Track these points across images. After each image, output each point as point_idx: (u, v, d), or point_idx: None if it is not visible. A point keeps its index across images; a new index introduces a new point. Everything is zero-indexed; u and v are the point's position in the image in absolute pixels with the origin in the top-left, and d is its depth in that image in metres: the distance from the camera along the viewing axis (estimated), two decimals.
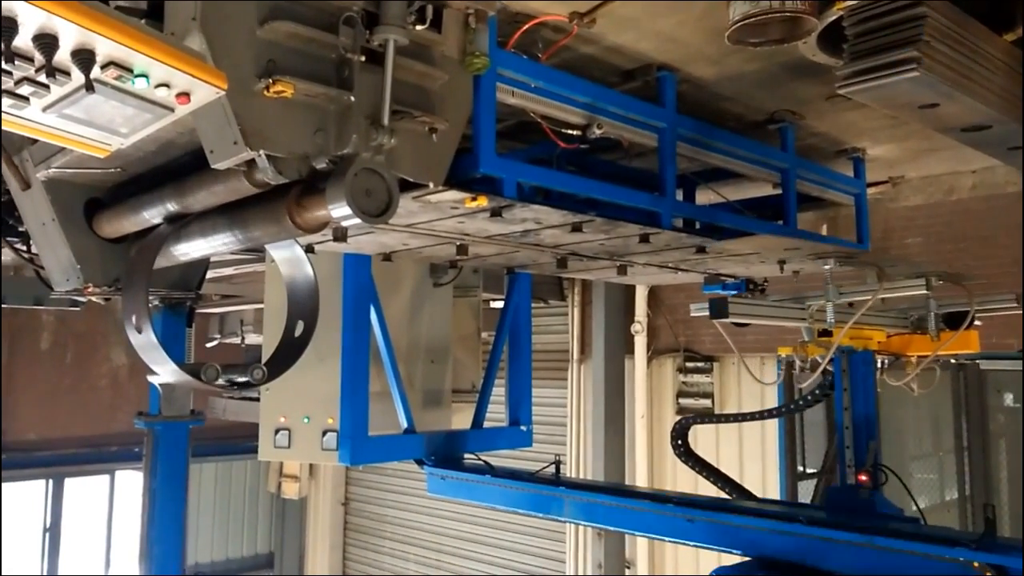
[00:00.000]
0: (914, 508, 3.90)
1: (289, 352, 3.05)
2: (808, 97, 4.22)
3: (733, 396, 8.48)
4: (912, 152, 5.56)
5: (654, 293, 8.71)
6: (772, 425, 8.35)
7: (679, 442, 4.85)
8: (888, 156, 5.54)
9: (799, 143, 4.66)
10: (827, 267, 4.26)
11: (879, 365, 4.63)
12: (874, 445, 4.04)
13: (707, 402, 8.63)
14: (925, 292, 4.38)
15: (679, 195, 4.28)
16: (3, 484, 10.71)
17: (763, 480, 8.26)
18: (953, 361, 6.09)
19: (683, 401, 8.71)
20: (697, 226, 4.21)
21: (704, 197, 5.02)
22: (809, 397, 4.59)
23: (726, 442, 8.42)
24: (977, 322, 4.83)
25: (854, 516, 3.56)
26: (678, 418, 4.69)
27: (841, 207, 5.38)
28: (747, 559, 3.46)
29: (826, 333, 4.32)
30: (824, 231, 6.20)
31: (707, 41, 3.56)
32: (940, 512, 8.03)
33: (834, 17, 2.83)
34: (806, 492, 8.33)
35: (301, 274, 3.17)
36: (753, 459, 8.35)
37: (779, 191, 4.53)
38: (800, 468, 8.55)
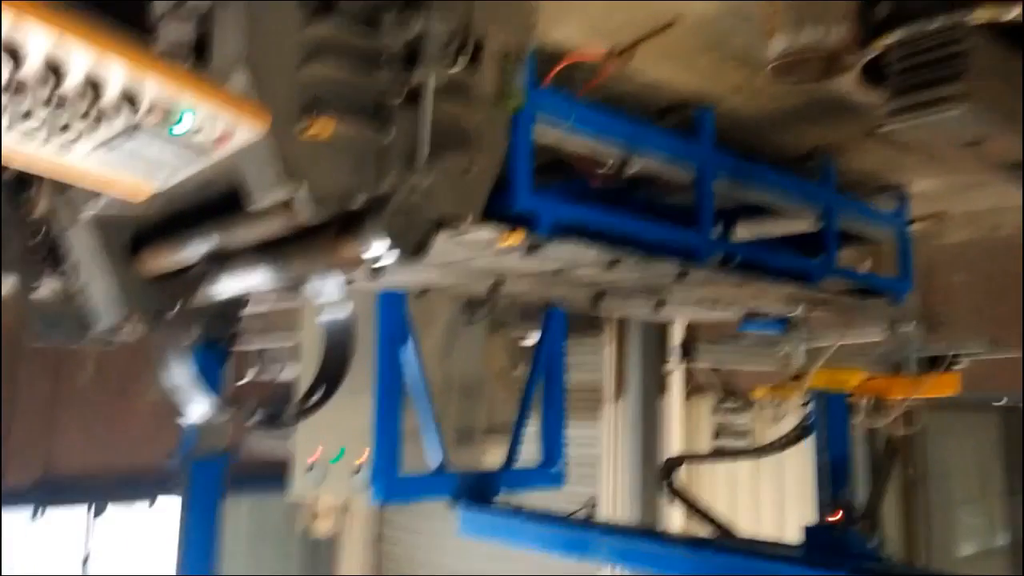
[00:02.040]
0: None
1: (322, 390, 3.03)
2: (849, 132, 4.17)
3: (773, 435, 8.29)
4: (956, 188, 5.45)
5: (691, 330, 8.61)
6: (794, 464, 8.15)
7: (669, 481, 5.01)
8: (931, 191, 5.43)
9: (841, 178, 4.59)
10: (795, 312, 4.39)
11: (865, 405, 4.76)
12: (848, 485, 4.18)
13: (744, 442, 8.45)
14: (885, 337, 4.56)
15: (718, 230, 4.23)
16: (46, 511, 10.89)
17: (782, 522, 8.00)
18: (1002, 403, 5.96)
19: (720, 441, 8.55)
20: (736, 262, 4.16)
21: (744, 232, 4.96)
22: (788, 437, 4.78)
23: (766, 480, 8.21)
24: (961, 364, 5.02)
25: (831, 555, 3.66)
26: (667, 457, 4.74)
27: (884, 244, 5.28)
28: None
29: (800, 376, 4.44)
30: (867, 268, 6.09)
31: (745, 77, 3.54)
32: (987, 559, 7.75)
33: (875, 53, 2.79)
34: None
35: (337, 311, 3.17)
36: (794, 500, 8.14)
37: (819, 227, 4.46)
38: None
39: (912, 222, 5.30)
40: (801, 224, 4.69)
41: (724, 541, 4.41)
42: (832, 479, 4.25)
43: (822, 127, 4.13)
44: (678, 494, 5.04)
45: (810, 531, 4.21)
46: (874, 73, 2.90)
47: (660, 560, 3.95)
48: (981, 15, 2.57)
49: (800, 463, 8.15)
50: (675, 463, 5.02)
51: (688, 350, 4.46)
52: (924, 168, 4.85)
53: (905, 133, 2.83)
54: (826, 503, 4.21)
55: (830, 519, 4.04)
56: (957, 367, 5.13)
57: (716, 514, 4.98)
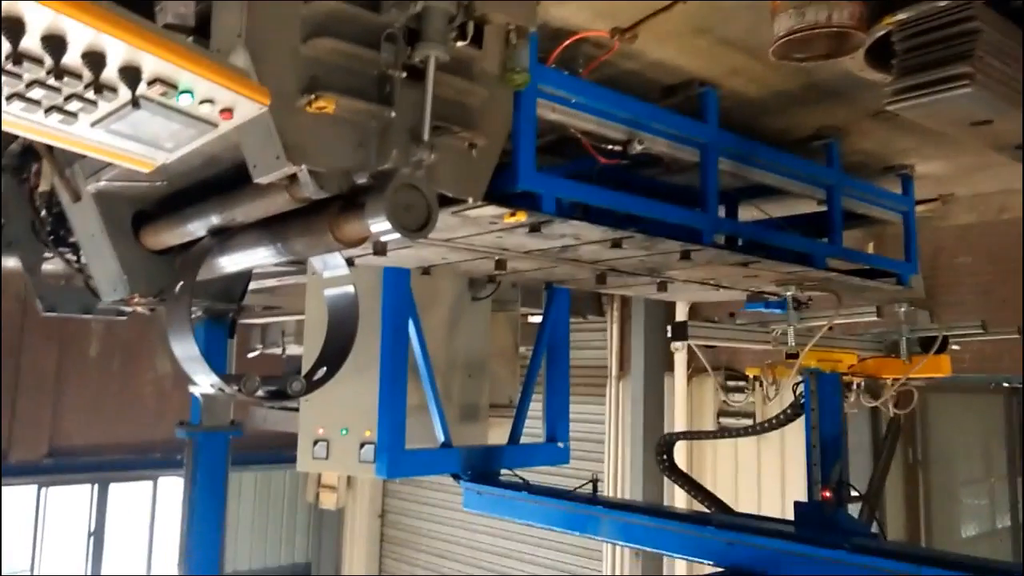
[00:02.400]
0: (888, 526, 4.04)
1: (328, 365, 3.06)
2: (854, 113, 4.15)
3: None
4: (963, 169, 5.42)
5: (695, 310, 8.62)
6: (799, 443, 8.18)
7: (663, 457, 5.06)
8: (938, 173, 5.41)
9: (845, 159, 4.57)
10: (789, 293, 4.46)
11: (856, 387, 4.88)
12: (839, 463, 4.23)
13: (748, 421, 8.48)
14: (876, 318, 4.65)
15: (721, 211, 4.22)
16: (50, 488, 11.01)
17: (783, 499, 8.05)
18: (1006, 385, 5.99)
19: (724, 420, 8.58)
20: (740, 243, 4.16)
21: (747, 214, 4.95)
22: (781, 416, 4.76)
23: (768, 461, 8.27)
24: (955, 347, 5.11)
25: (821, 532, 3.73)
26: (663, 434, 4.81)
27: (889, 225, 5.26)
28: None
29: (794, 356, 4.47)
30: (871, 249, 6.07)
31: (750, 56, 3.52)
32: (990, 540, 7.78)
33: (883, 32, 2.77)
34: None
35: (341, 287, 3.19)
36: (773, 477, 8.18)
37: (824, 208, 4.45)
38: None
39: (918, 204, 5.27)
40: (805, 205, 4.68)
41: (718, 517, 4.45)
42: (823, 457, 4.31)
43: (827, 107, 4.11)
44: (674, 470, 5.10)
45: (800, 507, 4.27)
46: (880, 52, 2.88)
47: (662, 537, 3.98)
48: None
49: (801, 446, 8.20)
50: (670, 440, 5.04)
51: (678, 330, 4.48)
52: (930, 149, 4.83)
53: (911, 113, 2.81)
54: (817, 481, 4.27)
55: (821, 496, 4.11)
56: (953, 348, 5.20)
57: (710, 490, 5.10)
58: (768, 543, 3.52)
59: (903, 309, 4.97)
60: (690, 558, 3.98)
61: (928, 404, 8.11)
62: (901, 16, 2.68)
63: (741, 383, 8.34)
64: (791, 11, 2.71)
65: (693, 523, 4.00)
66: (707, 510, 4.93)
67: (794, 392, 4.70)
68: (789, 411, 4.71)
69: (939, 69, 2.61)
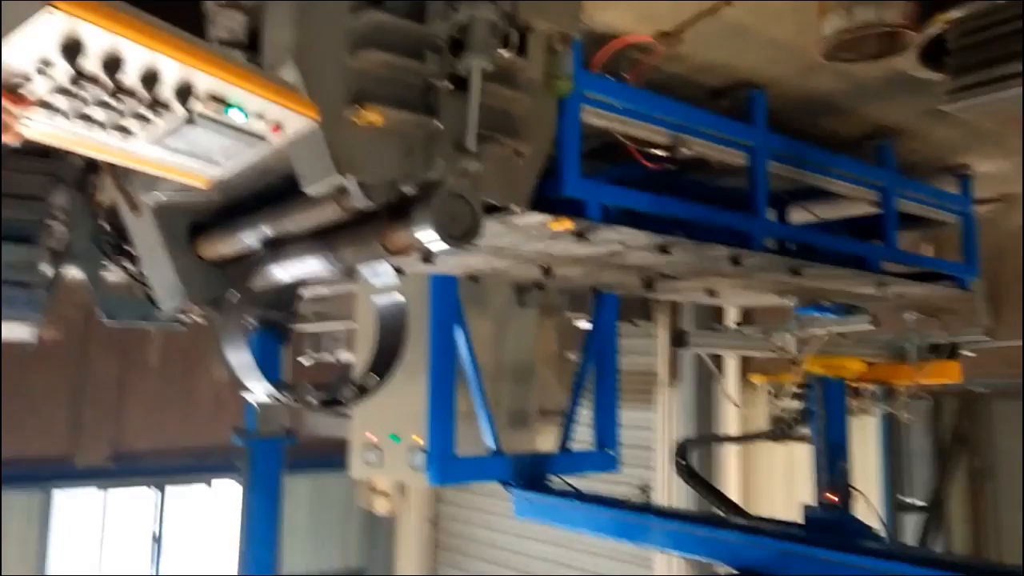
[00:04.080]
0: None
1: (379, 372, 3.10)
2: (908, 112, 4.05)
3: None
4: None
5: (747, 315, 8.48)
6: (873, 454, 7.99)
7: (682, 461, 5.14)
8: (998, 172, 5.24)
9: (899, 160, 4.46)
10: (792, 302, 4.62)
11: (871, 393, 5.17)
12: (844, 467, 4.36)
13: (805, 429, 8.31)
14: (871, 327, 4.77)
15: (771, 215, 4.16)
16: (112, 491, 11.36)
17: (864, 509, 7.88)
18: None
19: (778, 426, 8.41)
20: (790, 247, 4.09)
21: (798, 217, 4.87)
22: (792, 422, 4.98)
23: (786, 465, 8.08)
24: (969, 353, 5.27)
25: (830, 535, 3.80)
26: (682, 438, 4.89)
27: (947, 226, 5.12)
28: None
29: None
30: (928, 252, 5.91)
31: (799, 57, 3.46)
32: None
33: (937, 30, 2.71)
34: (911, 525, 7.93)
35: (390, 295, 3.24)
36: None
37: (878, 210, 4.35)
38: (905, 499, 8.15)
39: (977, 204, 5.12)
40: (858, 208, 4.58)
41: (730, 520, 4.57)
42: (829, 462, 4.42)
43: (878, 108, 4.02)
44: (691, 474, 5.19)
45: (809, 511, 4.35)
46: (932, 51, 2.82)
47: (714, 547, 3.99)
48: None
49: (859, 454, 8.00)
50: (689, 445, 5.21)
51: (680, 338, 4.57)
52: (988, 148, 4.68)
53: (966, 112, 2.74)
54: (824, 484, 4.38)
55: (829, 500, 4.21)
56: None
57: (728, 495, 5.24)
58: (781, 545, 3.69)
59: (913, 317, 5.10)
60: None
61: (993, 410, 7.85)
62: (955, 14, 2.62)
63: (794, 389, 8.17)
64: (840, 11, 2.66)
65: (744, 532, 3.95)
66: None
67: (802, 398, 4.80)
68: (798, 416, 4.90)
69: (994, 67, 2.54)
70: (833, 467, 4.37)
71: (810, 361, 4.61)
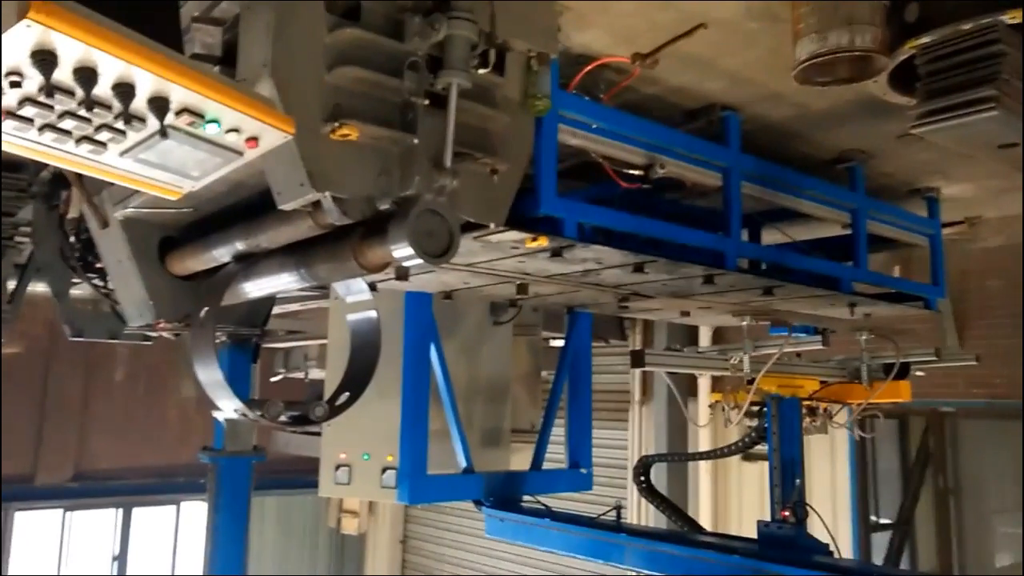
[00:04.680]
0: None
1: (350, 390, 3.07)
2: (878, 136, 4.12)
3: (804, 442, 8.20)
4: (990, 192, 5.36)
5: (719, 334, 8.55)
6: (842, 473, 8.05)
7: (642, 479, 5.21)
8: (964, 196, 5.35)
9: (869, 182, 4.54)
10: (744, 323, 4.77)
11: (824, 411, 5.30)
12: (799, 484, 4.45)
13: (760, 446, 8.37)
14: (822, 347, 5.04)
15: (744, 235, 4.20)
16: (76, 512, 11.08)
17: (835, 531, 7.94)
18: None
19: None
20: (763, 267, 4.13)
21: (770, 237, 4.92)
22: (746, 439, 5.04)
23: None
24: (919, 372, 5.49)
25: (782, 550, 3.90)
26: (640, 457, 5.19)
27: (915, 248, 5.20)
28: None
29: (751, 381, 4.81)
30: (897, 273, 6.01)
31: (773, 80, 3.51)
32: None
33: (906, 55, 2.76)
34: (880, 543, 7.99)
35: (363, 312, 3.21)
36: (822, 508, 8.08)
37: (849, 231, 4.41)
38: (873, 518, 8.22)
39: (944, 227, 5.22)
40: (830, 229, 4.64)
41: (688, 536, 4.66)
42: (784, 478, 4.53)
43: (850, 131, 4.09)
44: (650, 492, 5.27)
45: (763, 528, 4.45)
46: (904, 76, 2.87)
47: (688, 565, 4.00)
48: (1016, 15, 2.53)
49: (828, 473, 8.08)
50: (647, 462, 5.32)
51: (636, 358, 4.65)
52: (956, 172, 4.78)
53: (936, 137, 2.79)
54: (778, 501, 4.47)
55: (781, 515, 4.29)
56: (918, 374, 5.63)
57: (685, 512, 5.32)
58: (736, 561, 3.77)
59: (863, 337, 5.28)
60: None
61: (960, 430, 7.96)
62: (925, 39, 2.67)
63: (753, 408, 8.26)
64: (813, 35, 2.70)
65: (722, 551, 3.96)
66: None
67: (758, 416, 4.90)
68: (753, 434, 4.96)
69: (964, 92, 2.59)
70: (787, 484, 4.48)
71: (765, 380, 4.72)
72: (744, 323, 4.79)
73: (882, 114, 3.72)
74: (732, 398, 5.21)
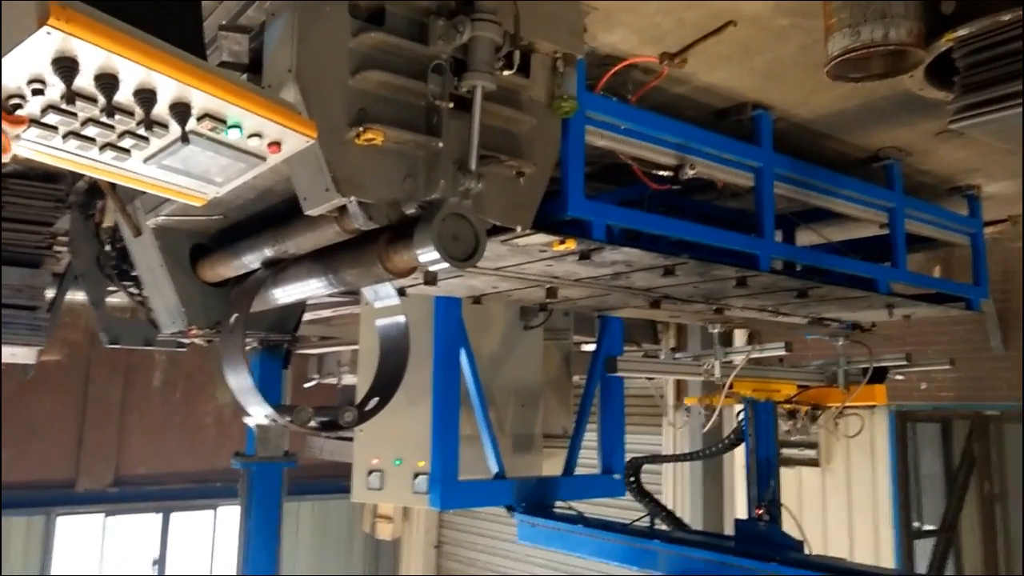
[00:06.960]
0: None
1: (380, 395, 3.06)
2: (916, 133, 4.02)
3: (840, 447, 8.06)
4: None
5: (755, 336, 8.42)
6: (883, 479, 7.89)
7: (632, 480, 5.29)
8: (1006, 193, 5.20)
9: (907, 181, 4.43)
10: (714, 330, 5.03)
11: (806, 413, 5.50)
12: (773, 484, 4.61)
13: (812, 452, 8.23)
14: (783, 353, 5.15)
15: (778, 236, 4.13)
16: (114, 517, 11.27)
17: (876, 538, 7.80)
18: None
19: (786, 451, 8.33)
20: (798, 268, 4.05)
21: (805, 238, 4.83)
22: (726, 441, 5.21)
23: (833, 494, 8.01)
24: (899, 376, 5.64)
25: (757, 546, 4.11)
26: (630, 457, 5.28)
27: (955, 247, 5.07)
28: None
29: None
30: (937, 273, 5.87)
31: (805, 77, 3.44)
32: None
33: (943, 49, 2.68)
34: (923, 551, 7.81)
35: (392, 317, 3.20)
36: (863, 515, 7.93)
37: (886, 231, 4.31)
38: (916, 525, 8.03)
39: (986, 225, 5.07)
40: (867, 229, 4.54)
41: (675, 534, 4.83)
42: (759, 478, 4.68)
43: (886, 128, 3.99)
44: (641, 492, 5.32)
45: (740, 525, 4.61)
46: (940, 70, 2.79)
47: (720, 572, 3.99)
48: None
49: (868, 479, 7.92)
50: (638, 463, 5.36)
51: (609, 364, 4.70)
52: (997, 169, 4.65)
53: (975, 132, 2.70)
54: (755, 499, 4.62)
55: (757, 513, 4.48)
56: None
57: (673, 511, 5.41)
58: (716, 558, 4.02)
59: (841, 342, 5.39)
60: None
61: (1005, 435, 7.75)
62: (962, 32, 2.58)
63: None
64: (846, 30, 2.63)
65: (759, 559, 3.90)
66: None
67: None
68: (733, 436, 5.09)
69: (1003, 85, 2.50)
70: (763, 483, 4.64)
71: (741, 384, 4.85)
72: (715, 331, 5.06)
73: (919, 110, 3.63)
74: (707, 401, 5.47)
